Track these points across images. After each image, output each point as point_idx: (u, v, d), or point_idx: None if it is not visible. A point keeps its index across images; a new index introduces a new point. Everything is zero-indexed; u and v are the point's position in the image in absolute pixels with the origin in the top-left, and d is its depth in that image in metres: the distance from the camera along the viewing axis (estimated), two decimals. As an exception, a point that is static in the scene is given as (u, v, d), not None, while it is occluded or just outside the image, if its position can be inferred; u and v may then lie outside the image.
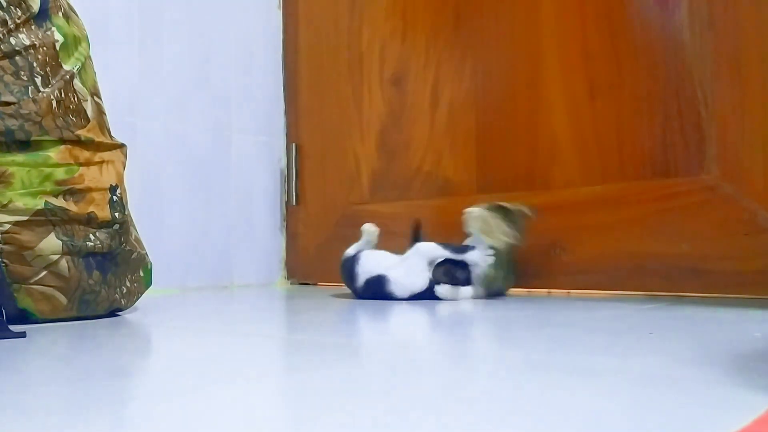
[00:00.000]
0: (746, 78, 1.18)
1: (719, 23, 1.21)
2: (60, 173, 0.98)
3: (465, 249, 1.25)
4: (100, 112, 1.09)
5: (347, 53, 1.80)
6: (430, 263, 1.24)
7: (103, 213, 1.03)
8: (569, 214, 1.37)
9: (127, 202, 1.10)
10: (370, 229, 1.37)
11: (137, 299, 1.14)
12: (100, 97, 1.10)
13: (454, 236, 1.33)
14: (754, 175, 1.16)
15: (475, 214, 1.25)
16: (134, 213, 1.17)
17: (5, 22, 0.97)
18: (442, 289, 1.23)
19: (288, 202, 1.93)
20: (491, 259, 1.22)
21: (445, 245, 1.25)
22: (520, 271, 1.38)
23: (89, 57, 1.10)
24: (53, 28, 1.02)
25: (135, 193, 1.28)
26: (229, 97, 1.81)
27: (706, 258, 1.20)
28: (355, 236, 1.41)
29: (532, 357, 0.67)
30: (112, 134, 1.13)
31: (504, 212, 1.26)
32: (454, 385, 0.54)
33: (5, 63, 0.95)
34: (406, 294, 1.24)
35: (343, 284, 1.49)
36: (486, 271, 1.24)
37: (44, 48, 1.00)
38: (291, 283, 1.90)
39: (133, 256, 1.10)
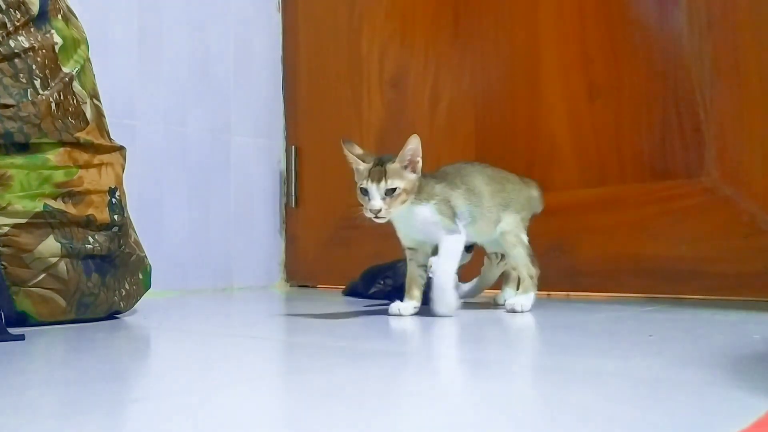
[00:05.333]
0: (745, 80, 1.18)
1: (718, 26, 1.21)
2: (59, 176, 0.98)
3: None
4: (99, 114, 1.09)
5: (346, 55, 1.80)
6: None
7: (102, 215, 1.02)
8: (568, 216, 1.37)
9: (126, 205, 1.10)
10: None
11: (136, 302, 1.13)
12: (99, 100, 1.10)
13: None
14: (753, 177, 1.16)
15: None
16: (133, 215, 1.17)
17: (4, 25, 0.96)
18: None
19: (287, 205, 1.93)
20: None
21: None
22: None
23: (88, 59, 1.10)
24: (52, 31, 1.02)
25: (134, 195, 1.28)
26: (229, 100, 1.81)
27: (706, 260, 1.20)
28: (355, 238, 1.41)
29: (531, 359, 0.67)
30: (112, 137, 1.13)
31: None
32: (454, 388, 0.54)
33: (4, 65, 0.95)
34: None
35: (344, 286, 1.50)
36: None
37: (43, 50, 1.00)
38: (290, 286, 1.90)
39: (132, 259, 1.10)
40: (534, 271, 1.08)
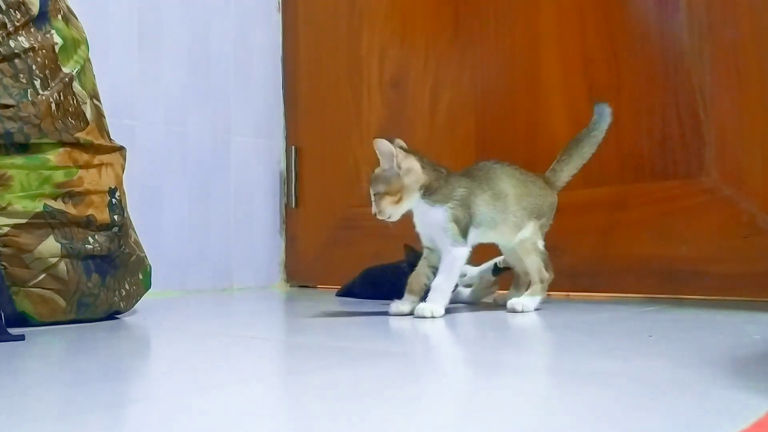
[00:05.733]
0: (745, 81, 1.18)
1: (718, 27, 1.21)
2: (59, 176, 0.98)
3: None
4: (99, 114, 1.09)
5: (347, 56, 1.80)
6: None
7: (102, 216, 1.02)
8: (569, 217, 1.36)
9: (126, 205, 1.10)
10: None
11: (136, 302, 1.13)
12: (99, 100, 1.10)
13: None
14: (753, 177, 1.16)
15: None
16: (133, 215, 1.17)
17: (4, 25, 0.96)
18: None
19: (287, 205, 1.93)
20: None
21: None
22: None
23: (88, 60, 1.10)
24: (52, 31, 1.02)
25: (134, 195, 1.28)
26: (229, 100, 1.81)
27: (706, 260, 1.20)
28: (355, 239, 1.41)
29: (531, 359, 0.67)
30: (112, 137, 1.13)
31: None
32: (454, 389, 0.54)
33: (4, 66, 0.95)
34: None
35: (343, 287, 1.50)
36: None
37: (43, 51, 1.00)
38: (290, 286, 1.90)
39: (132, 259, 1.10)
40: (546, 276, 1.07)
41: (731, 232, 1.17)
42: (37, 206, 0.95)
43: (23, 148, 0.95)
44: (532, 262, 1.07)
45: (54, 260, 0.95)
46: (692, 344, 0.73)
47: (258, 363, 0.69)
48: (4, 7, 0.97)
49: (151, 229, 1.57)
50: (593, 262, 1.33)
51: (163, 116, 1.66)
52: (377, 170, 1.02)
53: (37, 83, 0.98)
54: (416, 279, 1.04)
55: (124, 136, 1.42)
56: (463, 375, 0.60)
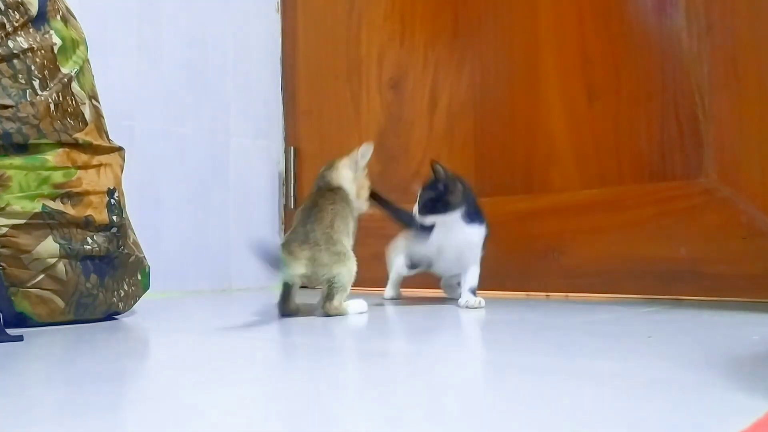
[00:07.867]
0: (744, 82, 1.18)
1: (717, 28, 1.21)
2: (58, 176, 0.98)
3: None
4: (98, 115, 1.09)
5: (345, 56, 1.80)
6: None
7: (101, 216, 1.02)
8: (567, 218, 1.37)
9: (125, 206, 1.10)
10: None
11: (135, 303, 1.13)
12: (98, 101, 1.10)
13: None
14: (751, 178, 1.16)
15: None
16: (132, 216, 1.17)
17: (3, 26, 0.96)
18: None
19: (286, 206, 1.92)
20: None
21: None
22: (519, 274, 1.38)
23: (87, 60, 1.10)
24: (51, 32, 1.02)
25: (133, 196, 1.28)
26: (228, 101, 1.81)
27: (704, 261, 1.20)
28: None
29: (531, 360, 0.67)
30: (111, 137, 1.13)
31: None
32: (454, 389, 0.54)
33: (3, 66, 0.95)
34: None
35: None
36: None
37: (42, 51, 1.00)
38: (289, 287, 1.89)
39: (130, 260, 1.10)
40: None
41: (730, 233, 1.17)
42: (36, 207, 0.95)
43: (22, 148, 0.95)
44: None
45: (53, 261, 0.95)
46: (691, 345, 0.73)
47: (256, 363, 0.69)
48: (2, 7, 0.97)
49: (150, 230, 1.57)
50: (592, 263, 1.33)
51: (162, 117, 1.66)
52: None
53: (36, 84, 0.98)
54: None
55: (123, 136, 1.42)
56: (463, 375, 0.60)
